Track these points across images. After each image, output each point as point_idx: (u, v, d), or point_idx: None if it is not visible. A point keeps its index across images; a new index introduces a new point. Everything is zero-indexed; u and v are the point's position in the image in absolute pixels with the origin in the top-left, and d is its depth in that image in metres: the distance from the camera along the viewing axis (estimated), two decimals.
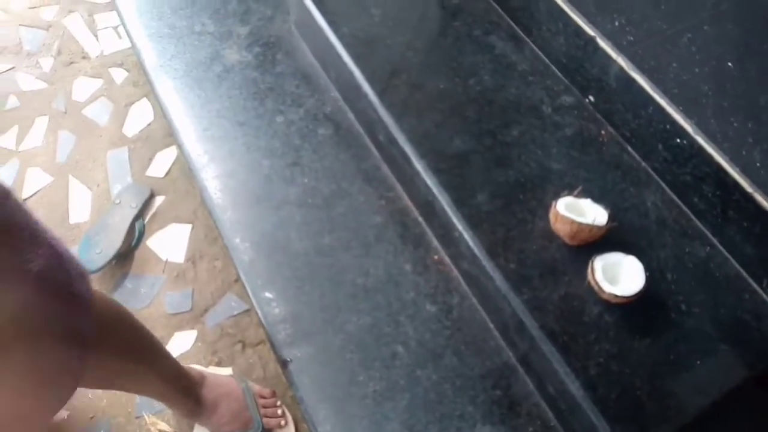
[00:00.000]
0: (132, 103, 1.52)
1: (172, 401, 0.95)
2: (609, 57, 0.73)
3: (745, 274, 0.67)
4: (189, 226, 1.25)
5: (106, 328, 0.70)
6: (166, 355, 0.87)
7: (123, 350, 0.75)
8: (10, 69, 1.65)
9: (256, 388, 1.00)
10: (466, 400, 0.71)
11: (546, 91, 0.83)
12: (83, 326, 0.63)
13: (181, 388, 0.91)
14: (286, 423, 1.00)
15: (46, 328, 0.57)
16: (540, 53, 0.86)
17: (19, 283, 0.52)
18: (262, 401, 0.99)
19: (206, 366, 1.07)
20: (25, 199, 1.30)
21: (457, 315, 0.77)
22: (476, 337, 0.75)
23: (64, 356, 0.61)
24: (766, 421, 0.65)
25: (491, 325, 0.75)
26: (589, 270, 0.64)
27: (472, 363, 0.73)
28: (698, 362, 0.62)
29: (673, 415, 0.60)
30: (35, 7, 1.81)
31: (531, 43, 0.87)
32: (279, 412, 1.00)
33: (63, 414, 1.09)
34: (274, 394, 1.01)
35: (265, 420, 0.98)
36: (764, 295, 0.65)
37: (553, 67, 0.85)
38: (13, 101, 1.57)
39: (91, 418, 1.08)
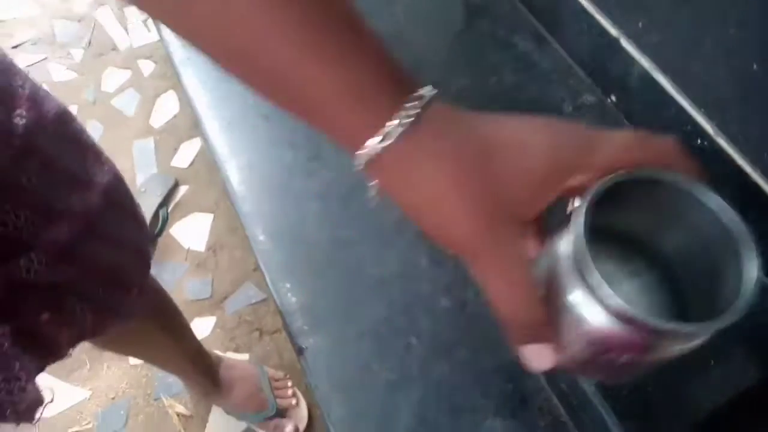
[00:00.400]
0: (159, 94, 1.56)
1: (190, 378, 0.98)
2: (632, 58, 0.73)
3: (763, 276, 0.66)
4: (211, 216, 1.28)
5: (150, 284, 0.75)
6: (191, 333, 0.90)
7: (157, 315, 0.79)
8: (42, 59, 1.70)
9: (271, 371, 1.02)
10: (478, 393, 0.71)
11: (568, 90, 0.83)
12: (145, 247, 0.69)
13: (201, 367, 0.94)
14: (298, 403, 1.03)
15: (117, 237, 0.63)
16: (563, 53, 0.86)
17: (91, 192, 0.58)
18: (274, 383, 1.01)
19: (224, 352, 1.09)
20: None
21: (471, 310, 0.77)
22: (490, 332, 0.75)
23: (132, 264, 0.67)
24: None
25: None
26: None
27: (485, 357, 0.74)
28: (712, 362, 0.62)
29: (684, 413, 0.60)
30: (68, 1, 1.86)
31: (554, 42, 0.87)
32: (290, 392, 1.02)
33: (85, 393, 1.12)
34: (285, 377, 1.03)
35: (278, 401, 1.00)
36: None
37: (576, 67, 0.85)
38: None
39: (112, 398, 1.11)
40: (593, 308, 0.28)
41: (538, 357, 0.31)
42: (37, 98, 0.57)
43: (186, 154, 1.42)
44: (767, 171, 0.62)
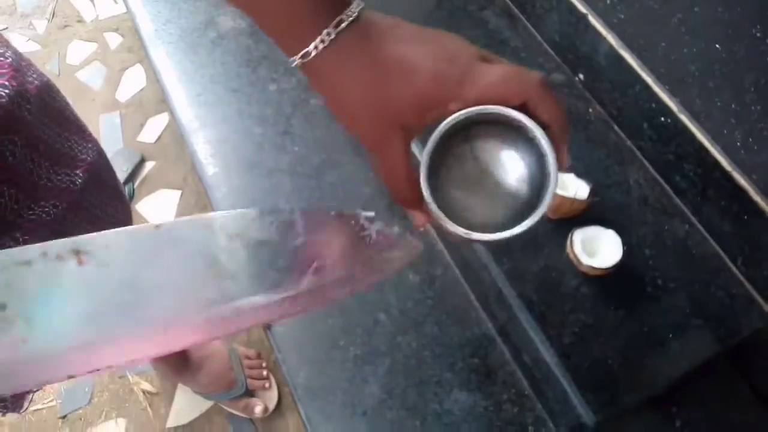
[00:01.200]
0: (126, 68, 1.52)
1: (159, 358, 0.96)
2: (600, 35, 0.74)
3: (721, 252, 0.68)
4: (178, 192, 1.26)
5: None
6: None
7: None
8: (3, 29, 1.64)
9: (242, 349, 1.02)
10: (445, 367, 0.72)
11: (537, 69, 0.83)
12: (127, 224, 0.67)
13: None
14: (270, 386, 1.02)
15: (102, 215, 0.62)
16: (533, 30, 0.86)
17: (75, 169, 0.56)
18: (247, 362, 1.01)
19: None
20: None
21: (439, 285, 0.78)
22: (457, 307, 0.76)
23: None
24: (733, 395, 0.67)
25: (472, 296, 0.76)
26: (569, 242, 0.65)
27: (451, 332, 0.75)
28: (671, 335, 0.64)
29: (643, 385, 0.62)
30: None
31: (524, 19, 0.87)
32: (264, 373, 1.02)
33: None
34: (259, 356, 1.03)
35: (249, 381, 1.00)
36: (738, 274, 0.67)
37: (546, 45, 0.85)
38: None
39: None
40: (435, 214, 0.38)
41: (413, 218, 0.40)
42: (20, 68, 0.54)
43: (153, 129, 1.39)
44: (727, 148, 0.64)
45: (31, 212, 0.52)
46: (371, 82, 0.35)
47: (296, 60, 0.35)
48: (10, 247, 0.51)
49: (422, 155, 0.37)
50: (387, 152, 0.37)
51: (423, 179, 0.37)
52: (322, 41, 0.34)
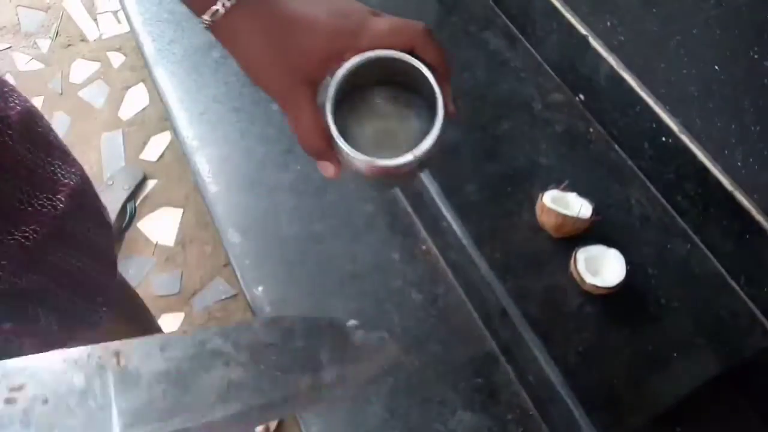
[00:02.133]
0: (128, 87, 1.53)
1: None
2: (600, 56, 0.75)
3: (723, 271, 0.68)
4: (180, 210, 1.26)
5: (117, 289, 0.73)
6: (158, 331, 0.88)
7: (127, 317, 0.77)
8: (7, 48, 1.66)
9: None
10: (448, 387, 0.72)
11: (537, 89, 0.84)
12: (111, 254, 0.67)
13: None
14: None
15: (84, 242, 0.61)
16: (533, 51, 0.87)
17: (57, 194, 0.56)
18: None
19: None
20: None
21: (442, 304, 0.78)
22: (460, 326, 0.76)
23: (98, 271, 0.65)
24: (737, 415, 0.67)
25: (475, 315, 0.76)
26: (572, 261, 0.65)
27: (455, 351, 0.74)
28: (675, 354, 0.64)
29: (648, 404, 0.62)
30: None
31: (525, 40, 0.88)
32: None
33: None
34: None
35: None
36: (741, 293, 0.67)
37: (546, 66, 0.86)
38: (9, 80, 1.57)
39: None
40: (344, 151, 0.40)
41: (325, 170, 0.42)
42: (1, 94, 0.55)
43: (155, 147, 1.39)
44: (727, 167, 0.64)
45: (10, 238, 0.52)
46: (275, 38, 0.38)
47: (206, 19, 0.38)
48: None
49: (327, 97, 0.41)
50: (294, 104, 0.40)
51: (329, 118, 0.40)
52: (225, 4, 0.37)
